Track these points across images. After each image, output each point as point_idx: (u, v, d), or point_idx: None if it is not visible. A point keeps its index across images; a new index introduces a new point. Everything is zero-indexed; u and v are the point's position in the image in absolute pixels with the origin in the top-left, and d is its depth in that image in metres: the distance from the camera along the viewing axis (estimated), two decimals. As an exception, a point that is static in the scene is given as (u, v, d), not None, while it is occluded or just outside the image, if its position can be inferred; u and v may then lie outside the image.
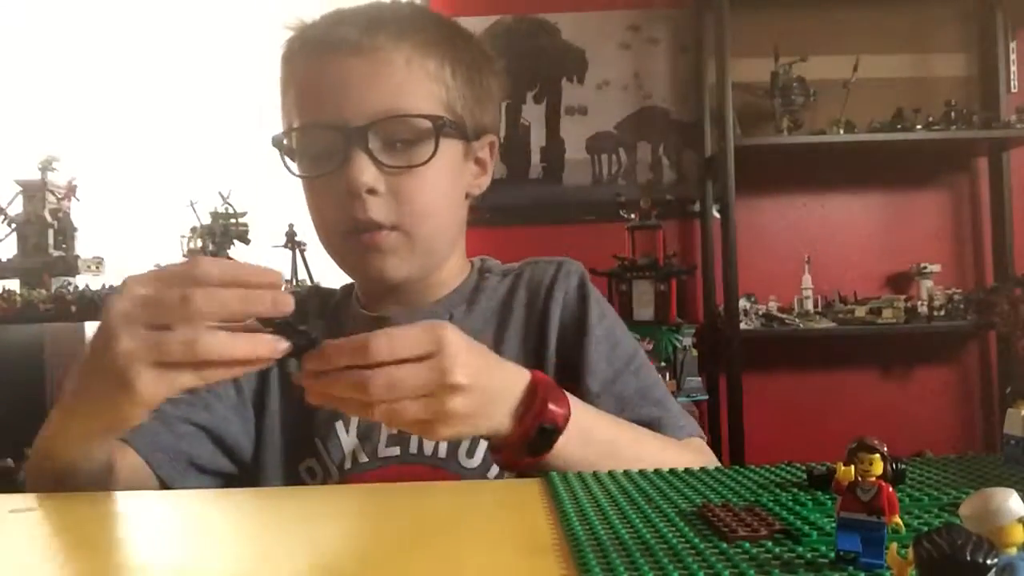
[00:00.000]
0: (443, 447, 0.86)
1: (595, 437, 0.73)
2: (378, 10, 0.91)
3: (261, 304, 0.59)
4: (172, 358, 0.57)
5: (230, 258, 0.76)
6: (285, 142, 0.90)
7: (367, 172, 0.84)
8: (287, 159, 0.91)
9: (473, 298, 0.96)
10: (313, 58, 0.88)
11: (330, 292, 1.05)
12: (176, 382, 0.57)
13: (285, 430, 0.91)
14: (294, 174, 0.90)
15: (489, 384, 0.66)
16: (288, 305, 0.59)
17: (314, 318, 0.99)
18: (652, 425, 0.85)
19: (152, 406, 0.59)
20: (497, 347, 0.91)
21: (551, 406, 0.69)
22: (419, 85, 0.87)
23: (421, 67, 0.87)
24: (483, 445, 0.86)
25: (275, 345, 0.59)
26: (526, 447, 0.68)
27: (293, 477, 0.89)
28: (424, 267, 0.92)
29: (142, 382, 0.57)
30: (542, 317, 0.94)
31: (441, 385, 0.61)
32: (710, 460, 0.83)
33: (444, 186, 0.90)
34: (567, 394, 0.72)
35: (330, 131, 0.85)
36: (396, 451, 0.86)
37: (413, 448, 0.86)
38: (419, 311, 0.93)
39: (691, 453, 0.82)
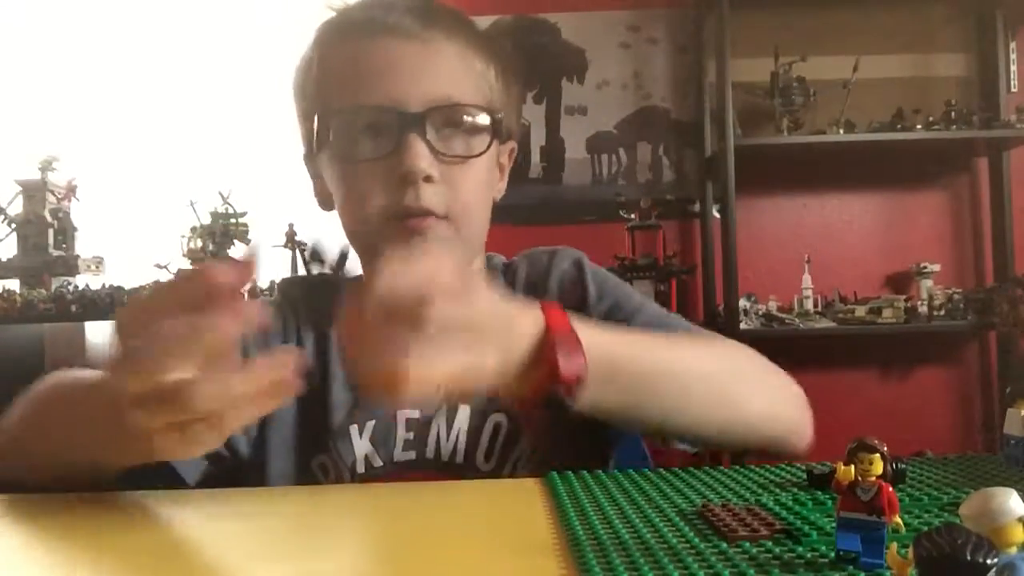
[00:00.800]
0: (460, 452, 0.84)
1: (622, 372, 0.68)
2: (425, 2, 0.89)
3: (245, 326, 0.50)
4: (158, 431, 0.50)
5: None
6: (323, 121, 0.85)
7: (425, 158, 0.81)
8: (320, 140, 0.86)
9: None
10: (363, 39, 0.84)
11: (332, 283, 0.99)
12: (196, 442, 0.50)
13: (297, 424, 0.87)
14: (343, 158, 0.85)
15: (489, 307, 0.60)
16: (251, 319, 0.50)
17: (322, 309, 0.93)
18: None
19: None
20: None
21: (562, 363, 0.62)
22: (470, 79, 0.86)
23: (472, 63, 0.86)
24: (499, 448, 0.84)
25: (280, 366, 0.50)
26: (542, 402, 0.64)
27: (305, 472, 0.86)
28: (464, 263, 0.88)
29: (164, 451, 0.51)
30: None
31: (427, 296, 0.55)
32: (743, 350, 0.84)
33: (487, 183, 0.89)
34: (580, 340, 0.64)
35: (384, 113, 0.82)
36: (412, 455, 0.84)
37: (430, 453, 0.84)
38: None
39: (726, 347, 0.84)
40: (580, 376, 0.63)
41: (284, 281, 1.05)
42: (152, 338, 0.48)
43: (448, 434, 0.85)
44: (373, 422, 0.85)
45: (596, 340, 0.65)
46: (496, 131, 0.86)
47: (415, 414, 0.85)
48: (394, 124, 0.81)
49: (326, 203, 0.93)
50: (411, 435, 0.85)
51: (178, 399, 0.47)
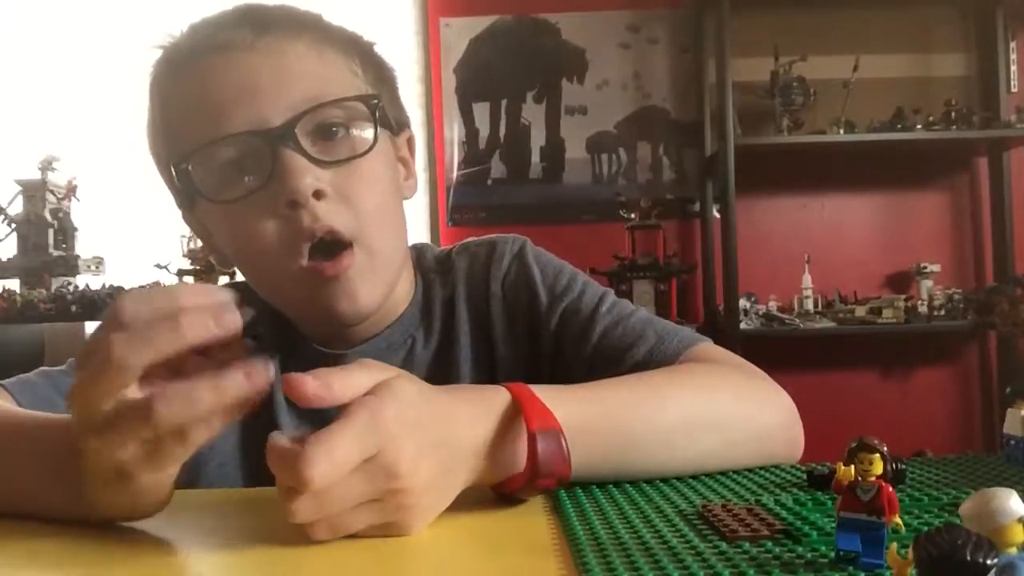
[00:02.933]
0: None
1: (592, 435, 0.60)
2: (252, 10, 0.77)
3: (200, 328, 0.47)
4: (128, 456, 0.47)
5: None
6: (181, 169, 0.73)
7: (308, 173, 0.70)
8: (186, 191, 0.76)
9: (427, 311, 0.86)
10: (195, 67, 0.74)
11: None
12: (167, 457, 0.48)
13: (240, 450, 0.80)
14: (215, 200, 0.73)
15: (448, 457, 0.52)
16: (235, 321, 0.48)
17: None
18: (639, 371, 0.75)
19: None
20: (455, 367, 0.83)
21: (542, 465, 0.54)
22: (332, 73, 0.76)
23: (328, 57, 0.77)
24: None
25: (252, 376, 0.47)
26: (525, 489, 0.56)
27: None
28: (386, 289, 0.79)
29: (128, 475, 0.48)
30: (485, 320, 0.84)
31: (388, 490, 0.49)
32: (719, 360, 0.76)
33: (388, 181, 0.79)
34: (548, 407, 0.56)
35: (245, 140, 0.71)
36: None
37: None
38: (377, 344, 0.82)
39: (691, 376, 0.73)
40: (563, 476, 0.55)
41: (231, 285, 0.94)
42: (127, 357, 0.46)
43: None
44: None
45: (570, 419, 0.57)
46: (379, 119, 0.76)
47: None
48: (260, 147, 0.71)
49: (222, 259, 0.84)
50: None
51: (146, 414, 0.45)
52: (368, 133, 0.75)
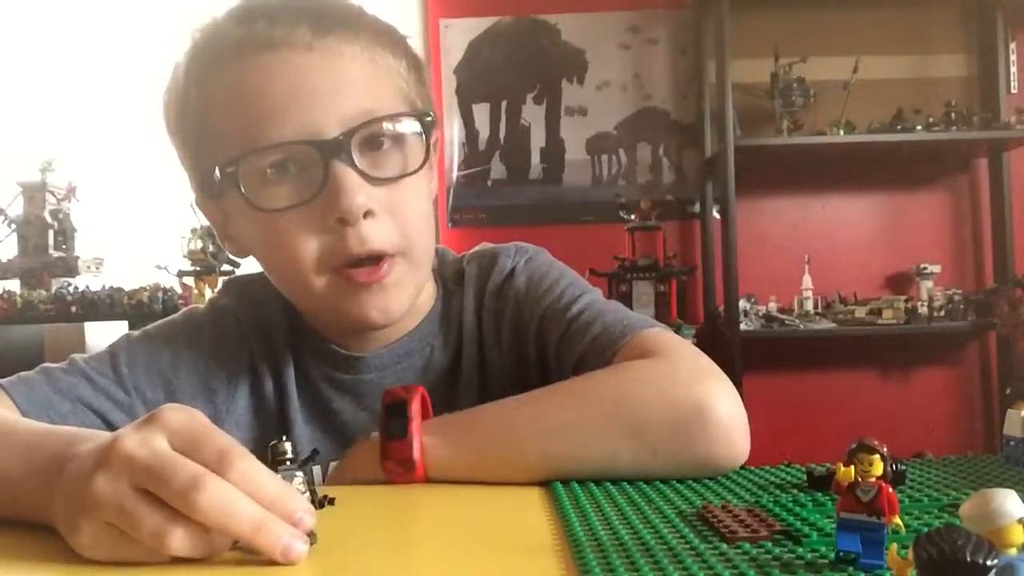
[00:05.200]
0: None
1: (465, 431, 0.67)
2: (313, 3, 0.76)
3: (272, 542, 0.45)
4: (131, 550, 0.46)
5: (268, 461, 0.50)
6: (228, 172, 0.71)
7: (361, 191, 0.69)
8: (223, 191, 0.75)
9: (446, 319, 0.85)
10: (248, 61, 0.71)
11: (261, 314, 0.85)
12: (127, 554, 0.46)
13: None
14: (261, 208, 0.71)
15: None
16: (300, 557, 0.45)
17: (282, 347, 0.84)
18: (579, 367, 0.74)
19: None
20: (462, 374, 0.83)
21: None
22: (387, 83, 0.75)
23: (382, 62, 0.75)
24: None
25: (287, 553, 0.45)
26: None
27: None
28: (415, 297, 0.79)
29: (86, 538, 0.46)
30: (483, 330, 0.84)
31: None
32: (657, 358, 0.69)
33: (428, 192, 0.79)
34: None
35: (298, 148, 0.70)
36: None
37: None
38: (396, 350, 0.82)
39: (590, 380, 0.69)
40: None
41: (231, 282, 0.92)
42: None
43: None
44: (334, 463, 0.79)
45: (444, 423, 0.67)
46: (429, 136, 0.75)
47: None
48: (313, 158, 0.70)
49: (240, 250, 0.81)
50: None
51: (189, 482, 0.44)
52: (419, 150, 0.75)
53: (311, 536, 0.47)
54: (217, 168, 0.72)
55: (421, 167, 0.75)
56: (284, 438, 0.51)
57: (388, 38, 0.78)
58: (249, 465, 0.46)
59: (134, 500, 0.45)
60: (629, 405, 0.66)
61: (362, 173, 0.70)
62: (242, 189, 0.71)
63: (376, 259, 0.72)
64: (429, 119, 0.75)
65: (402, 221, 0.73)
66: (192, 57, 0.76)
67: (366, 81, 0.74)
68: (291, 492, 0.47)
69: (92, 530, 0.46)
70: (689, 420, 0.65)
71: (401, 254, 0.74)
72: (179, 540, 0.45)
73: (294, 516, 0.46)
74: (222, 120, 0.74)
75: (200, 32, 0.76)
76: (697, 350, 0.73)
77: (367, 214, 0.70)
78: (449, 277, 0.88)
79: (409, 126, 0.75)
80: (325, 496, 0.48)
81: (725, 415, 0.65)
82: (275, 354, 0.83)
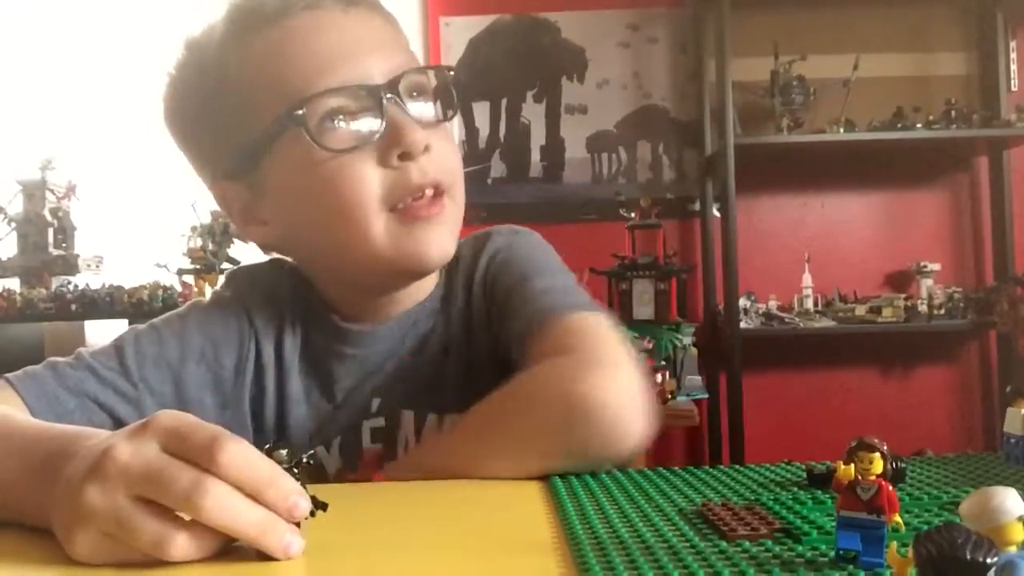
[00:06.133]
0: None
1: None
2: None
3: (275, 542, 0.46)
4: (129, 555, 0.46)
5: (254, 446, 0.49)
6: (297, 115, 0.74)
7: (419, 128, 0.75)
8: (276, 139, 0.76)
9: (446, 300, 0.87)
10: (292, 23, 0.76)
11: (289, 272, 0.88)
12: (125, 559, 0.46)
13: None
14: (332, 149, 0.74)
15: None
16: (299, 551, 0.47)
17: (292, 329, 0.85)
18: (509, 349, 0.78)
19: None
20: (454, 352, 0.85)
21: None
22: (405, 46, 0.82)
23: (396, 33, 0.83)
24: None
25: (287, 550, 0.46)
26: None
27: None
28: (457, 239, 0.83)
29: (82, 547, 0.46)
30: (468, 310, 0.86)
31: None
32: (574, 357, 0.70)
33: (455, 143, 0.86)
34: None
35: (354, 91, 0.74)
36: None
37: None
38: (404, 320, 0.85)
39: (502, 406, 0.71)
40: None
41: (234, 274, 0.94)
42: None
43: (417, 442, 0.82)
44: (339, 438, 0.83)
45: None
46: (454, 89, 0.82)
47: (379, 423, 0.83)
48: (368, 101, 0.74)
49: (267, 234, 0.83)
50: (379, 446, 0.82)
51: (191, 487, 0.44)
52: (450, 99, 0.81)
53: (322, 507, 0.48)
54: (287, 112, 0.73)
55: (455, 113, 0.82)
56: (278, 441, 0.51)
57: (393, 18, 0.84)
58: (241, 448, 0.46)
59: (131, 510, 0.45)
60: (522, 416, 0.68)
61: (411, 116, 0.75)
62: (309, 132, 0.73)
63: (434, 194, 0.77)
64: (452, 73, 0.82)
65: (445, 162, 0.78)
66: (227, 31, 0.79)
67: (393, 41, 0.80)
68: (284, 474, 0.47)
69: (87, 539, 0.46)
70: (572, 415, 0.66)
71: (448, 191, 0.78)
72: (181, 546, 0.45)
73: (289, 499, 0.46)
74: (266, 84, 0.76)
75: (235, 9, 0.79)
76: (607, 335, 0.74)
77: (425, 149, 0.75)
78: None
79: (438, 76, 0.81)
80: (315, 498, 0.48)
81: (608, 405, 0.66)
82: (281, 338, 0.85)
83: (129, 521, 0.45)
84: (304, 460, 0.49)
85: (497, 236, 0.89)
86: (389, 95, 0.74)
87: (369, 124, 0.74)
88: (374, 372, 0.84)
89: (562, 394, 0.67)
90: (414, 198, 0.76)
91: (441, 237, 0.78)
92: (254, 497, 0.46)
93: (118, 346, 0.80)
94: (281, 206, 0.80)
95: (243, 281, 0.89)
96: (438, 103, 0.81)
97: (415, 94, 0.77)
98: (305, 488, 0.48)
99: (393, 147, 0.74)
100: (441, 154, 0.77)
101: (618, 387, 0.67)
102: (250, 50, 0.77)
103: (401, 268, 0.80)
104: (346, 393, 0.84)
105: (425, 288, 0.86)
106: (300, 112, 0.73)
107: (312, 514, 0.48)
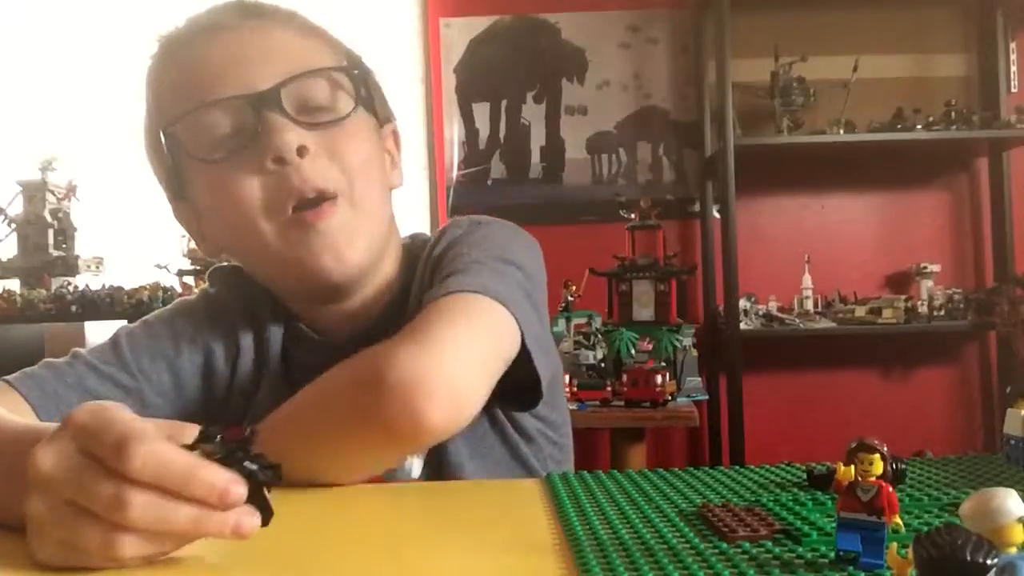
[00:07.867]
0: (415, 468, 0.80)
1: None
2: (245, 2, 0.82)
3: (218, 526, 0.45)
4: (88, 559, 0.45)
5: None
6: (169, 132, 0.77)
7: (291, 131, 0.73)
8: (173, 159, 0.79)
9: (408, 288, 0.85)
10: (190, 46, 0.78)
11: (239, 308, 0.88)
12: (88, 564, 0.45)
13: None
14: (206, 160, 0.75)
15: None
16: (253, 529, 0.46)
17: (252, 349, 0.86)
18: None
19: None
20: None
21: None
22: (319, 50, 0.81)
23: (314, 42, 0.81)
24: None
25: (239, 530, 0.45)
26: None
27: None
28: (371, 249, 0.79)
29: (43, 555, 0.46)
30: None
31: None
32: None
33: (373, 144, 0.81)
34: None
35: (232, 104, 0.74)
36: None
37: None
38: (374, 331, 0.78)
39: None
40: None
41: (216, 271, 0.94)
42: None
43: None
44: None
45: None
46: (360, 88, 0.80)
47: None
48: (246, 110, 0.74)
49: (213, 247, 0.85)
50: None
51: (118, 507, 0.43)
52: (349, 99, 0.79)
53: (274, 471, 0.45)
54: (161, 132, 0.78)
55: (352, 112, 0.78)
56: (209, 428, 0.47)
57: (327, 38, 0.83)
58: (152, 448, 0.44)
59: (72, 515, 0.45)
60: (326, 382, 0.67)
61: (292, 119, 0.74)
62: (184, 145, 0.76)
63: (322, 199, 0.75)
64: (358, 72, 0.80)
65: (340, 163, 0.76)
66: (149, 66, 0.83)
67: (299, 50, 0.79)
68: (203, 464, 0.45)
69: (46, 547, 0.46)
70: (363, 387, 0.63)
71: (344, 197, 0.76)
72: (130, 547, 0.44)
73: (215, 489, 0.44)
74: (168, 98, 0.79)
75: (159, 38, 0.83)
76: (460, 316, 0.70)
77: (301, 151, 0.73)
78: (416, 253, 0.88)
79: (338, 76, 0.79)
80: (267, 466, 0.45)
81: (401, 380, 0.61)
82: (262, 330, 0.86)
83: (74, 528, 0.45)
84: (247, 434, 0.46)
85: (455, 227, 0.87)
86: (265, 101, 0.74)
87: (245, 132, 0.75)
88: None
89: (365, 366, 0.65)
90: (303, 204, 0.74)
91: (335, 244, 0.75)
92: (178, 494, 0.44)
93: (114, 341, 0.83)
94: (207, 221, 0.83)
95: (224, 277, 0.91)
96: (339, 104, 0.78)
97: (308, 99, 0.76)
98: (257, 464, 0.46)
99: (266, 152, 0.73)
100: (335, 155, 0.76)
101: (424, 365, 0.62)
102: (162, 75, 0.81)
103: (303, 277, 0.78)
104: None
105: (377, 285, 0.84)
106: (172, 129, 0.77)
107: (267, 487, 0.46)
